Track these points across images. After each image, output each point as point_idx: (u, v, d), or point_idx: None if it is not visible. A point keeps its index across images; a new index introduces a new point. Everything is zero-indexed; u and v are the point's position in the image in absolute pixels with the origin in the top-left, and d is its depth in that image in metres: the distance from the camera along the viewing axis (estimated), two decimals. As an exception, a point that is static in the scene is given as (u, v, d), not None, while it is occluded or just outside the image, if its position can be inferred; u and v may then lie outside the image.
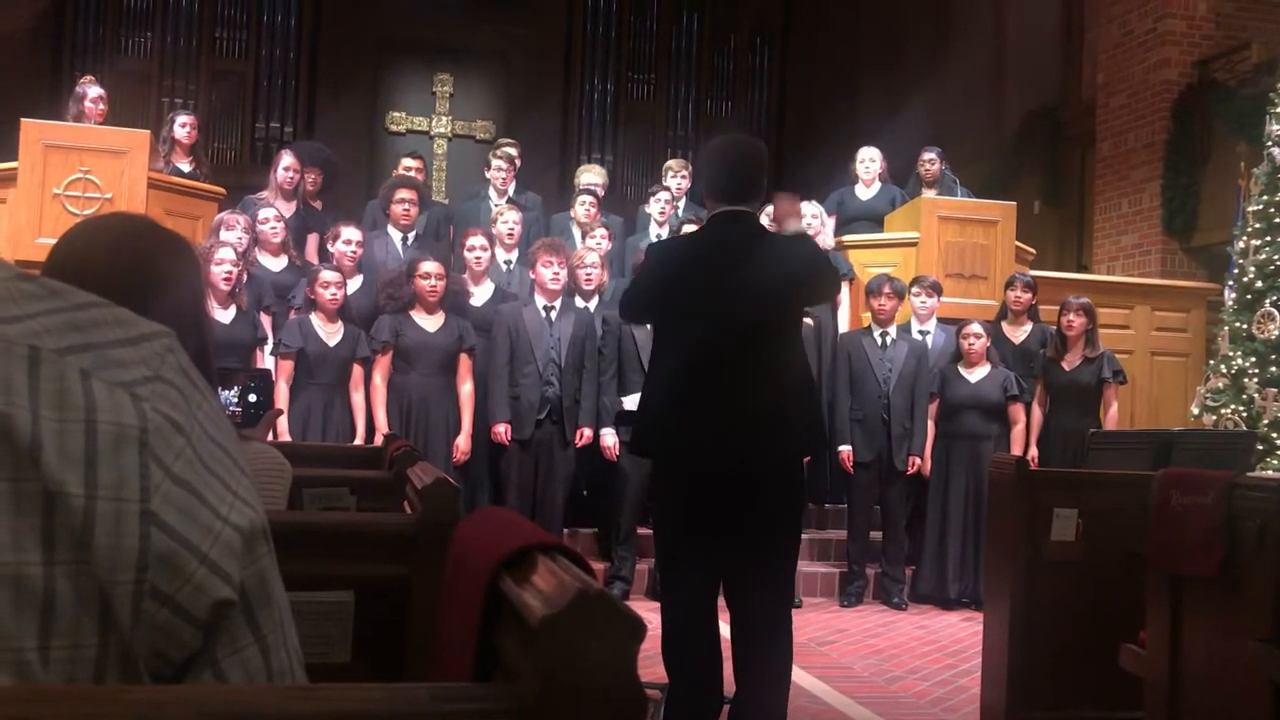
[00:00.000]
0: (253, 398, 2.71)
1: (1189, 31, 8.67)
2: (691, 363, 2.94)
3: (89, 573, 0.57)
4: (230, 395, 2.57)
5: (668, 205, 6.95)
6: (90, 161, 6.10)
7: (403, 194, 6.31)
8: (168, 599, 0.60)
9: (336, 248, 5.79)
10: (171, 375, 0.63)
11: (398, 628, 1.82)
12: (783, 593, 3.06)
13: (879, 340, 6.07)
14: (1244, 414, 6.10)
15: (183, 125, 6.97)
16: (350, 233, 5.82)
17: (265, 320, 5.63)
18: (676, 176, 7.29)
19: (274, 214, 6.05)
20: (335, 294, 5.40)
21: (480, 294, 5.97)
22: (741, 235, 3.01)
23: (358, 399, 5.48)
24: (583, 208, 6.81)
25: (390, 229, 6.32)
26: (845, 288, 6.81)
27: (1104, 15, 9.39)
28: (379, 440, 4.72)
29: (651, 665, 2.99)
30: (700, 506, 2.93)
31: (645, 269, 3.26)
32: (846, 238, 7.23)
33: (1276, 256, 6.15)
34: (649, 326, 3.54)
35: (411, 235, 6.33)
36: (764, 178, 3.13)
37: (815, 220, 6.66)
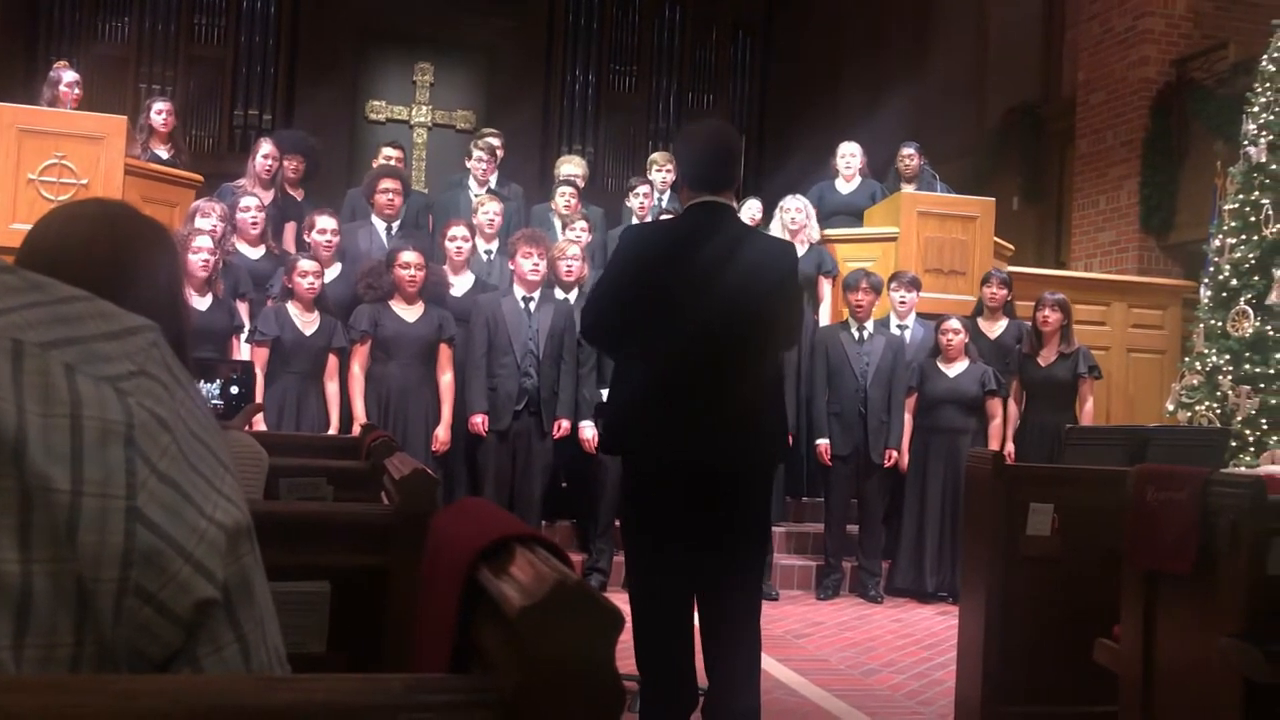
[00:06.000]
0: (235, 389, 2.70)
1: (1168, 30, 8.73)
2: (666, 356, 2.90)
3: (68, 570, 0.56)
4: (213, 388, 2.55)
5: (646, 198, 6.91)
6: (66, 147, 6.05)
7: (387, 184, 6.29)
8: (151, 597, 0.59)
9: (312, 237, 5.76)
10: (156, 370, 0.62)
11: (375, 618, 1.81)
12: (752, 587, 3.04)
13: (856, 335, 6.08)
14: (1218, 410, 6.15)
15: (159, 113, 6.90)
16: (325, 221, 5.80)
17: (242, 308, 5.60)
18: (661, 170, 7.23)
19: (256, 203, 6.01)
20: (313, 283, 5.38)
21: (460, 284, 5.95)
22: (718, 229, 2.98)
23: (333, 389, 5.46)
24: (563, 199, 6.79)
25: (374, 218, 6.30)
26: (828, 284, 6.82)
27: (1084, 13, 9.44)
28: (356, 430, 4.70)
29: (629, 656, 2.98)
30: (670, 500, 2.89)
31: (615, 265, 3.08)
32: (827, 232, 7.25)
33: (1251, 255, 6.19)
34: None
35: (396, 225, 6.31)
36: (739, 167, 3.10)
37: (800, 215, 6.64)
